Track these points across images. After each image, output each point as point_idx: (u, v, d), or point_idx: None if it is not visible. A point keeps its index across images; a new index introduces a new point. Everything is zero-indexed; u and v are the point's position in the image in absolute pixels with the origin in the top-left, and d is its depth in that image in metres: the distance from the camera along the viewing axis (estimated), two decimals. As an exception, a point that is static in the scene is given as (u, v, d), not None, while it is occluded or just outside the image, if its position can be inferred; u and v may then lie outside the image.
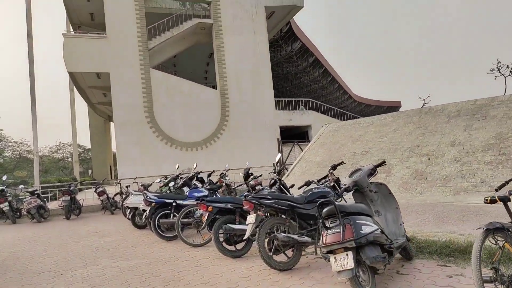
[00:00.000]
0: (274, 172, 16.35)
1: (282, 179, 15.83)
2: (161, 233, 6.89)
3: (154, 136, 21.48)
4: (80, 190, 21.68)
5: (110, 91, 22.71)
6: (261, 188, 6.56)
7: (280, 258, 4.63)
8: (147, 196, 7.13)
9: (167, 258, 5.58)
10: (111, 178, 38.37)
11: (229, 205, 5.48)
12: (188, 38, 24.41)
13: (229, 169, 14.89)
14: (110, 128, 39.76)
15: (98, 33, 22.11)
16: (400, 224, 4.35)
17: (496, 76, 20.53)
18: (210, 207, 5.37)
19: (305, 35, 33.03)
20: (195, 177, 8.91)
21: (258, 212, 4.55)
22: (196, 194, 7.43)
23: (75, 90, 28.85)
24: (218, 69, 23.29)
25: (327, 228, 3.49)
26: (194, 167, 10.77)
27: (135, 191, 11.55)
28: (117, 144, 20.99)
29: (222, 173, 14.22)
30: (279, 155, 7.31)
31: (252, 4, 24.35)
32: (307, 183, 5.74)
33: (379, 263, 3.42)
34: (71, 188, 11.87)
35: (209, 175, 9.11)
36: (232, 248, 5.36)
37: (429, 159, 9.21)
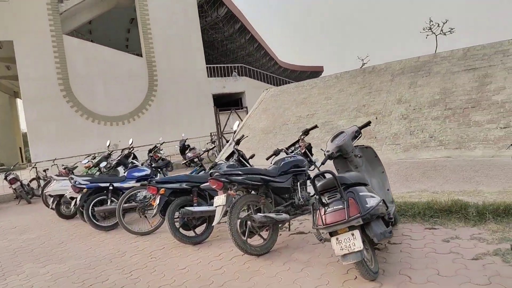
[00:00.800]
0: (227, 142, 15.51)
1: (222, 149, 15.04)
2: (96, 222, 5.76)
3: (73, 111, 19.08)
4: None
5: (14, 63, 19.47)
6: (215, 163, 5.73)
7: (254, 241, 3.93)
8: (75, 181, 5.87)
9: (110, 254, 4.56)
10: (22, 161, 34.25)
11: (184, 185, 4.58)
12: (106, 0, 21.65)
13: (163, 142, 13.67)
14: (17, 105, 34.94)
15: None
16: (388, 190, 3.89)
17: (427, 35, 21.38)
18: (163, 189, 4.42)
19: (230, 0, 31.56)
20: (132, 154, 7.71)
21: (229, 192, 3.74)
22: (137, 174, 6.35)
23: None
24: (143, 35, 21.16)
25: (324, 205, 2.84)
26: (130, 142, 9.49)
27: (56, 175, 9.96)
28: (28, 122, 18.27)
29: (156, 146, 13.01)
30: (237, 122, 6.46)
31: (176, -39, 22.20)
32: (276, 152, 5.05)
33: (387, 238, 2.89)
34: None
35: (151, 151, 7.95)
36: (191, 233, 4.54)
37: (376, 118, 9.08)
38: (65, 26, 19.53)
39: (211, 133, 16.91)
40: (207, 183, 4.62)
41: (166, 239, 4.84)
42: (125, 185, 6.12)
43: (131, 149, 7.89)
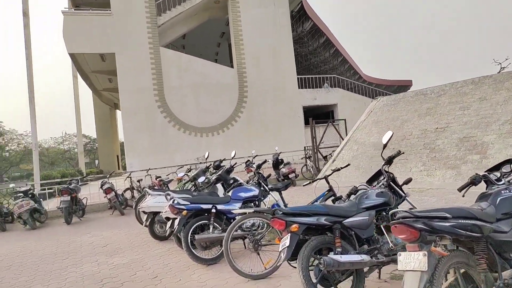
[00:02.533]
0: (323, 157, 13.96)
1: (324, 166, 13.48)
2: (196, 254, 4.65)
3: (166, 121, 19.23)
4: (85, 183, 19.70)
5: (115, 76, 20.43)
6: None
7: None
8: (173, 200, 4.86)
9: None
10: (119, 168, 36.52)
11: (323, 220, 3.17)
12: (200, 13, 21.87)
13: (256, 155, 12.58)
14: (117, 116, 37.61)
15: (101, 9, 19.64)
16: None
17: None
18: (295, 225, 3.07)
19: (316, 14, 30.27)
20: (232, 169, 6.59)
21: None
22: (243, 195, 5.13)
23: (79, 76, 26.65)
24: (234, 46, 20.79)
25: None
26: (206, 156, 8.53)
27: (150, 187, 9.34)
28: (125, 131, 18.79)
29: (248, 160, 11.96)
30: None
31: (270, -28, 21.62)
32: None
33: None
34: (72, 185, 9.68)
35: (259, 167, 6.74)
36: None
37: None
38: (161, 39, 19.96)
39: (305, 147, 15.49)
40: (354, 219, 3.22)
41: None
42: (230, 207, 4.94)
43: (235, 163, 6.79)
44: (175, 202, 4.83)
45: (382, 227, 3.35)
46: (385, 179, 3.79)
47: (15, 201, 9.11)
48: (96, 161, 43.95)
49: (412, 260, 2.23)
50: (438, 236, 2.26)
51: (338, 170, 4.61)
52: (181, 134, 19.48)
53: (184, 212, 4.71)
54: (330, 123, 14.99)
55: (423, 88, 10.09)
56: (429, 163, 8.34)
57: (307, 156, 14.61)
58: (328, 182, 4.60)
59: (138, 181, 11.13)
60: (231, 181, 6.23)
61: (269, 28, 21.49)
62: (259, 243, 4.04)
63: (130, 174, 11.50)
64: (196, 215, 4.87)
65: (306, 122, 21.99)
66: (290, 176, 12.12)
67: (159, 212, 6.12)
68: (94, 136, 44.10)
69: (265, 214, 4.04)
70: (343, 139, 14.84)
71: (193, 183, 7.51)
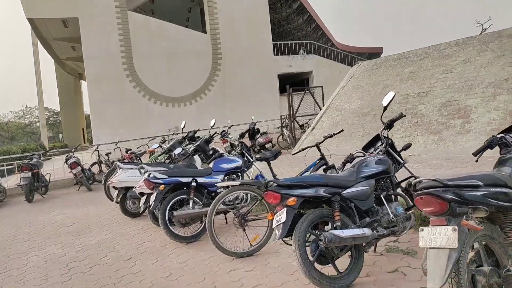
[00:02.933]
0: (299, 126, 13.51)
1: (303, 135, 13.17)
2: (174, 231, 4.19)
3: (135, 91, 18.19)
4: (49, 158, 18.54)
5: (79, 43, 18.98)
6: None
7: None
8: (148, 174, 4.33)
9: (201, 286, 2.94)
10: (85, 142, 35.06)
11: (321, 191, 2.76)
12: (169, -27, 20.41)
13: (232, 125, 12.08)
14: (82, 87, 35.62)
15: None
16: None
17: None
18: (293, 198, 2.64)
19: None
20: (212, 139, 6.07)
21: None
22: (226, 166, 4.66)
23: (39, 44, 24.68)
24: (207, 10, 19.65)
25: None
26: (183, 125, 7.97)
27: (119, 160, 8.73)
28: (91, 102, 17.66)
29: (223, 130, 11.43)
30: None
31: None
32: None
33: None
34: (33, 161, 8.88)
35: (242, 136, 6.22)
36: (332, 272, 2.76)
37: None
38: (129, 3, 18.52)
39: (281, 116, 15.07)
40: (354, 189, 2.85)
41: (279, 267, 3.13)
42: (212, 180, 4.47)
43: (215, 133, 6.28)
44: (151, 176, 4.30)
45: (382, 197, 3.01)
46: (383, 145, 3.43)
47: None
48: (60, 135, 41.98)
49: (439, 236, 1.87)
50: (470, 207, 1.90)
51: (331, 136, 4.20)
52: (152, 104, 18.56)
53: (162, 187, 4.20)
54: (307, 91, 14.59)
55: (406, 51, 9.76)
56: (410, 129, 8.13)
57: (283, 125, 14.21)
58: (319, 150, 4.20)
59: (107, 154, 10.40)
60: (211, 152, 5.74)
61: (243, -9, 20.39)
62: (245, 218, 3.62)
63: (97, 148, 10.74)
64: (174, 190, 4.38)
65: (281, 91, 21.53)
66: (266, 146, 11.75)
67: (132, 187, 5.60)
68: (57, 109, 41.86)
69: (255, 187, 3.61)
70: (320, 107, 14.55)
71: (167, 155, 6.97)
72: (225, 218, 4.53)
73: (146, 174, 4.41)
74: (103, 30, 17.50)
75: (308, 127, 14.15)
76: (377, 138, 3.62)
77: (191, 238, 4.22)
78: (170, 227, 4.16)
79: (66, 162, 9.34)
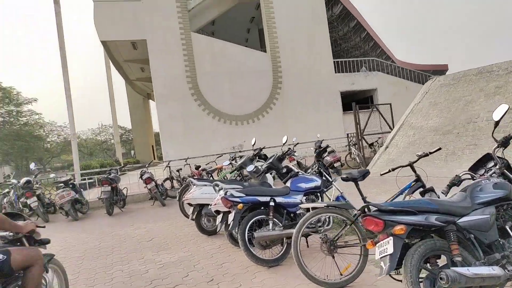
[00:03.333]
0: (368, 145, 13.00)
1: (371, 154, 12.63)
2: (256, 254, 4.09)
3: (200, 110, 18.85)
4: (124, 173, 19.72)
5: (147, 64, 20.25)
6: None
7: None
8: (225, 192, 4.32)
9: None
10: (154, 158, 36.88)
11: (433, 219, 2.48)
12: (229, -4, 21.19)
13: (298, 143, 11.95)
14: (150, 106, 37.87)
15: (130, -4, 19.35)
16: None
17: None
18: (401, 227, 2.40)
19: (345, -4, 28.70)
20: (285, 157, 5.96)
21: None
22: (304, 185, 4.52)
23: (112, 67, 26.79)
24: (267, 29, 19.99)
25: None
26: (253, 142, 7.91)
27: (189, 176, 8.95)
28: (160, 121, 18.57)
29: (289, 148, 11.31)
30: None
31: (303, -51, 20.50)
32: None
33: None
34: (112, 175, 9.42)
35: (320, 153, 6.08)
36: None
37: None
38: (192, 25, 19.47)
39: (347, 134, 14.63)
40: (472, 218, 2.54)
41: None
42: (291, 200, 4.34)
43: (288, 150, 6.18)
44: (228, 194, 4.28)
45: (507, 228, 2.65)
46: (497, 166, 3.06)
47: (56, 192, 8.96)
48: (132, 151, 44.75)
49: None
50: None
51: (427, 155, 3.88)
52: (216, 123, 19.07)
53: (240, 206, 4.15)
54: (375, 108, 14.03)
55: (488, 65, 8.99)
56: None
57: (351, 143, 13.75)
58: (414, 171, 3.89)
59: (178, 170, 10.75)
60: (284, 170, 5.62)
61: (302, 9, 20.50)
62: (335, 244, 3.41)
63: (168, 164, 11.16)
64: (252, 209, 4.31)
65: (344, 109, 21.04)
66: (335, 165, 11.35)
67: (207, 204, 5.65)
68: (129, 126, 44.84)
69: (344, 209, 3.41)
70: (389, 125, 13.89)
71: (238, 172, 6.99)
72: (306, 241, 4.35)
73: (222, 191, 4.40)
74: (169, 52, 18.50)
75: (377, 146, 13.57)
76: (487, 158, 3.26)
77: (273, 261, 4.09)
78: (251, 249, 4.07)
79: (141, 177, 9.77)
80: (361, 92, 22.02)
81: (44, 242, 3.01)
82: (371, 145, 13.28)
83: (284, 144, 7.39)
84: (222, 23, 24.86)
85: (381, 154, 9.70)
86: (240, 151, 13.08)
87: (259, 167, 6.15)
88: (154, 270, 4.47)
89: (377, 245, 2.56)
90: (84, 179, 11.78)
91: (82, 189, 9.98)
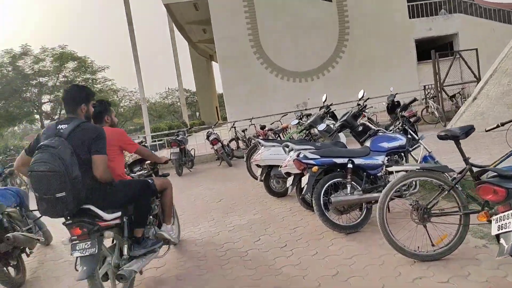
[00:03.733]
0: (449, 98, 11.67)
1: (453, 107, 11.37)
2: (333, 220, 3.74)
3: (263, 68, 18.37)
4: (190, 134, 20.34)
5: (209, 25, 19.99)
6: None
7: None
8: (298, 153, 3.96)
9: None
10: (218, 119, 37.65)
11: None
12: None
13: (368, 97, 11.00)
14: (213, 68, 38.19)
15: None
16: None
17: None
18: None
19: None
20: (361, 113, 5.37)
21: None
22: (387, 145, 3.99)
23: (175, 30, 27.08)
24: (331, -25, 18.39)
25: None
26: (324, 99, 7.23)
27: (254, 136, 8.74)
28: (224, 82, 18.51)
29: (359, 104, 10.49)
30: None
31: None
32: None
33: None
34: (180, 137, 9.57)
35: (405, 108, 5.44)
36: None
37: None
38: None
39: (424, 86, 13.23)
40: None
41: (486, 283, 2.38)
42: (372, 162, 3.87)
43: (363, 105, 5.57)
44: (301, 155, 3.92)
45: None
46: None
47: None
48: (197, 113, 46.14)
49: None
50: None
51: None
52: (279, 81, 18.52)
53: (314, 169, 3.78)
54: (458, 55, 12.40)
55: None
56: None
57: (428, 96, 12.45)
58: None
59: (243, 131, 10.63)
60: (360, 129, 5.08)
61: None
62: (428, 212, 2.92)
63: (234, 124, 11.06)
64: (327, 172, 3.92)
65: (419, 58, 19.11)
66: (411, 120, 10.45)
67: (275, 165, 5.38)
68: (193, 89, 45.97)
69: (443, 173, 2.88)
70: (475, 75, 12.27)
71: (307, 132, 6.57)
72: (388, 207, 3.89)
73: (293, 153, 4.05)
74: (230, 9, 17.98)
75: (460, 98, 12.13)
76: None
77: (351, 228, 3.72)
78: (327, 215, 3.73)
79: (207, 138, 9.82)
80: (439, 38, 19.69)
81: (166, 175, 4.02)
82: (452, 97, 11.89)
83: (360, 99, 6.72)
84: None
85: (467, 106, 8.55)
86: (305, 109, 12.53)
87: (331, 126, 5.68)
88: (225, 233, 4.37)
89: (493, 218, 2.05)
90: (155, 141, 12.23)
91: (153, 151, 10.32)
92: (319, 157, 3.85)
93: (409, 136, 4.17)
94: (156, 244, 3.25)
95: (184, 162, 9.39)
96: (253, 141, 7.27)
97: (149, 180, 3.37)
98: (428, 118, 11.91)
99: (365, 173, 3.88)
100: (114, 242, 3.12)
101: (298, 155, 3.94)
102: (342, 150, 4.06)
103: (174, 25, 25.31)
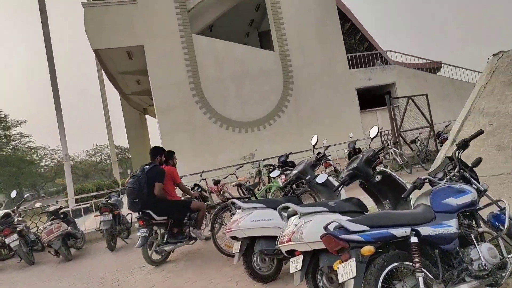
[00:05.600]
0: (407, 144, 11.11)
1: (416, 152, 10.74)
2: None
3: (206, 118, 16.94)
4: (124, 194, 17.70)
5: (144, 75, 18.51)
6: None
7: None
8: (329, 223, 2.39)
9: None
10: (154, 176, 34.83)
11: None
12: (230, -6, 19.47)
13: (329, 145, 10.00)
14: (147, 121, 35.87)
15: (124, -1, 17.59)
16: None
17: None
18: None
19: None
20: (371, 159, 4.00)
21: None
22: (455, 202, 2.59)
23: (105, 81, 24.95)
24: (275, 26, 18.22)
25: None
26: (314, 142, 5.93)
27: (221, 195, 7.06)
28: (162, 134, 16.64)
29: (319, 152, 9.40)
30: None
31: None
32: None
33: None
34: (112, 199, 7.46)
35: (463, 145, 4.23)
36: None
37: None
38: (192, 26, 17.68)
39: (381, 133, 12.73)
40: None
41: None
42: (444, 230, 2.43)
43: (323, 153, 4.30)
44: (335, 226, 2.35)
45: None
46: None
47: (43, 225, 6.97)
48: (129, 171, 42.65)
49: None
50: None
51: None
52: (223, 131, 17.16)
53: (367, 250, 2.21)
54: (410, 98, 12.20)
55: None
56: None
57: (387, 142, 11.88)
58: None
59: (192, 188, 8.75)
60: (378, 178, 3.71)
61: (311, 4, 18.81)
62: None
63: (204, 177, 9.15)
64: (380, 249, 2.38)
65: (361, 107, 19.23)
66: (377, 168, 9.55)
67: (260, 236, 3.74)
68: (124, 145, 42.86)
69: None
70: (427, 119, 12.11)
71: (288, 187, 5.04)
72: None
73: (301, 219, 2.49)
74: (169, 57, 16.68)
75: (419, 143, 11.68)
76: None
77: None
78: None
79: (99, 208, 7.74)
80: (378, 87, 20.23)
81: (205, 199, 6.64)
82: (412, 142, 11.42)
83: (314, 146, 5.56)
84: (219, 28, 22.95)
85: (447, 149, 7.84)
86: (264, 159, 11.12)
87: (330, 179, 4.26)
88: None
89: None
90: (79, 205, 9.79)
91: (75, 220, 7.96)
92: (367, 228, 2.31)
93: (473, 186, 2.85)
94: (184, 239, 5.38)
95: (119, 231, 7.21)
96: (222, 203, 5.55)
97: (189, 201, 5.63)
98: (389, 165, 11.20)
99: (436, 250, 2.41)
100: (162, 231, 5.31)
101: (327, 227, 2.37)
102: (396, 215, 2.56)
103: (104, 74, 23.25)
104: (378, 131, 4.39)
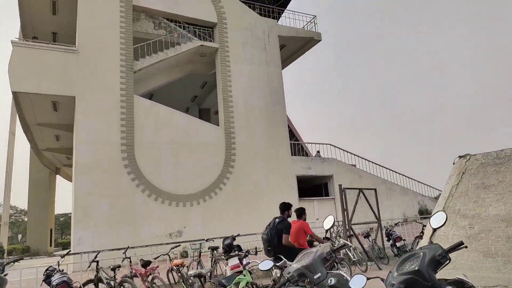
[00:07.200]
0: (354, 236, 10.27)
1: (370, 248, 9.89)
2: None
3: (133, 184, 14.81)
4: (11, 266, 13.80)
5: (67, 131, 16.35)
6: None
7: None
8: None
9: None
10: (51, 245, 29.59)
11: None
12: (182, 65, 18.94)
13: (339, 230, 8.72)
14: (55, 183, 31.41)
15: (63, 45, 15.96)
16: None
17: None
18: None
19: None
20: (439, 259, 2.79)
21: None
22: None
23: (17, 133, 21.66)
24: (223, 103, 17.78)
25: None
26: (328, 226, 4.86)
27: (128, 277, 5.18)
28: (76, 195, 13.98)
29: (328, 237, 8.01)
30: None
31: (264, 31, 19.84)
32: None
33: None
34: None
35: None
36: None
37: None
38: (136, 88, 16.36)
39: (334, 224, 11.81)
40: None
41: None
42: None
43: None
44: None
45: None
46: None
47: None
48: (19, 236, 35.93)
49: None
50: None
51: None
52: (152, 202, 15.04)
53: None
54: (361, 191, 11.76)
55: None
56: None
57: (339, 234, 10.93)
58: None
59: (114, 269, 6.58)
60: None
61: (261, 86, 19.03)
62: None
63: (96, 257, 6.90)
64: None
65: (300, 194, 18.68)
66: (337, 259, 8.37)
67: None
68: (21, 206, 36.69)
69: None
70: (375, 214, 11.65)
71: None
72: None
73: None
74: (103, 113, 14.88)
75: (371, 238, 10.93)
76: None
77: None
78: None
79: (46, 279, 5.56)
80: (317, 178, 20.12)
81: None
82: (366, 236, 10.64)
83: (327, 230, 4.47)
84: (159, 97, 21.71)
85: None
86: (209, 239, 9.22)
87: (343, 274, 2.95)
88: None
89: None
90: None
91: None
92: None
93: None
94: None
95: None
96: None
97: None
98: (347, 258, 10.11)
99: None
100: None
101: None
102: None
103: (19, 122, 20.03)
104: (333, 222, 3.50)
